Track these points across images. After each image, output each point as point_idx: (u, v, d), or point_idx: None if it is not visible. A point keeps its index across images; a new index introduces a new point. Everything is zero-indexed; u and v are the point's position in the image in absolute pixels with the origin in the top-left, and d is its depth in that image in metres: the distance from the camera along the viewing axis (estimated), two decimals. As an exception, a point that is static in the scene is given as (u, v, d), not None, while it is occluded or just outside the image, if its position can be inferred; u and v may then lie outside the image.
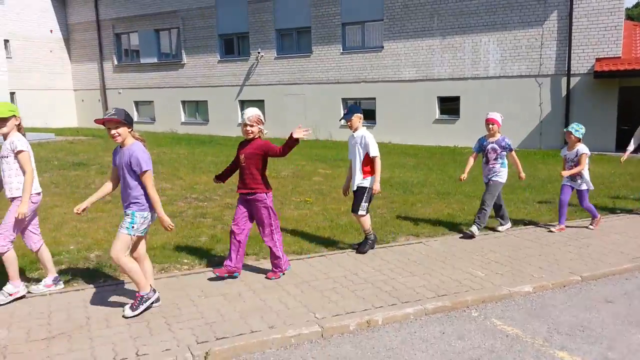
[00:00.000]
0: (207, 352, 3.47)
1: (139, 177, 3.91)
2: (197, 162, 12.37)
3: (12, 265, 4.18)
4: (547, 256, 5.58)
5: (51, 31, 24.65)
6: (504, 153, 6.39)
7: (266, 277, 4.83)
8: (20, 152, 4.09)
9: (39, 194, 4.31)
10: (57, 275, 4.56)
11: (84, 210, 4.01)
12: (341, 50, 19.45)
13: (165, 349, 3.49)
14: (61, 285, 4.54)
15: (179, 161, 12.43)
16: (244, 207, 4.74)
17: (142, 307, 3.99)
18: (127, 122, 3.93)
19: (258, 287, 4.66)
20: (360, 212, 5.53)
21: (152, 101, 24.57)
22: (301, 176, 10.95)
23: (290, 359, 3.54)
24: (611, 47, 14.75)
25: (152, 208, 4.00)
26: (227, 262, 4.77)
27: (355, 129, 5.52)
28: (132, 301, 4.06)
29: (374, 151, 5.41)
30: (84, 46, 25.75)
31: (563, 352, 3.60)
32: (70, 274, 4.89)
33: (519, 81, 16.39)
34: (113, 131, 3.89)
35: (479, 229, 6.27)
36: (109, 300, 4.32)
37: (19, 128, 4.23)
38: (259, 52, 21.06)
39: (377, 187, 5.43)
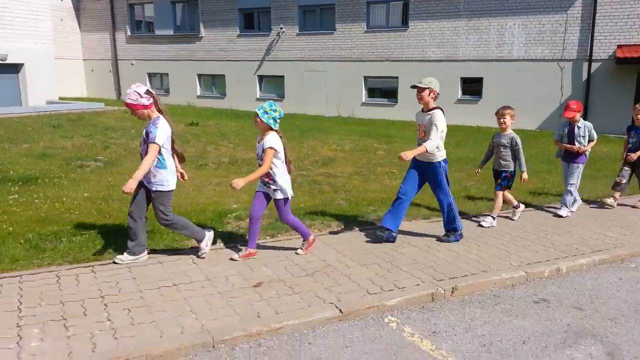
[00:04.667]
0: (453, 287, 4.17)
1: None
2: (256, 134, 12.82)
3: None
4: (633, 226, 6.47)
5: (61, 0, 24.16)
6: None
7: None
8: None
9: None
10: None
11: None
12: (365, 29, 19.90)
13: (416, 284, 4.17)
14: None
15: (241, 132, 12.89)
16: None
17: None
18: None
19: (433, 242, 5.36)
20: None
21: (167, 73, 24.53)
22: (365, 150, 11.56)
23: (515, 295, 4.27)
24: (632, 34, 15.72)
25: None
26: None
27: None
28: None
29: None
30: (94, 15, 25.34)
31: None
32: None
33: (542, 64, 17.25)
34: None
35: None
36: (327, 247, 4.94)
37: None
38: (281, 28, 21.29)
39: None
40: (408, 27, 19.11)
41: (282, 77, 21.99)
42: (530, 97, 17.08)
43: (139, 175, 4.10)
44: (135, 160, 8.98)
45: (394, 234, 5.21)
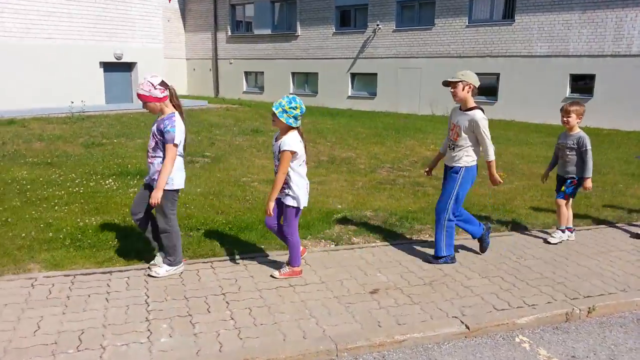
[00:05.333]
0: (590, 308, 3.76)
1: None
2: (351, 133, 12.75)
3: None
4: None
5: (169, 1, 25.61)
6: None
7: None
8: None
9: None
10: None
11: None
12: (467, 23, 19.11)
13: (547, 302, 3.81)
14: None
15: (337, 130, 12.90)
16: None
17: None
18: None
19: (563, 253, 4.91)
20: None
21: (263, 72, 25.20)
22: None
23: (662, 319, 3.77)
24: None
25: None
26: None
27: None
28: None
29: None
30: (199, 16, 26.65)
31: None
32: (367, 229, 5.33)
33: (667, 60, 15.56)
34: None
35: None
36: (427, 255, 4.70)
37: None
38: (377, 25, 21.04)
39: None
40: (514, 20, 18.08)
41: (375, 74, 21.75)
42: (650, 96, 15.48)
43: (162, 183, 3.74)
44: (239, 157, 9.23)
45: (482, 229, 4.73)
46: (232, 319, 3.36)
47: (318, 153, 9.81)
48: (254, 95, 25.27)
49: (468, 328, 3.39)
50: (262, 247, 4.73)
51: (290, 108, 3.77)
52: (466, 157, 4.39)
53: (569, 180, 5.19)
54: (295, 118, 3.81)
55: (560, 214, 5.24)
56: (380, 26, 21.02)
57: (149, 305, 3.53)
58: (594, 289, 4.09)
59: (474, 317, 3.52)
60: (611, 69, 16.45)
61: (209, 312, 3.45)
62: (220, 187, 6.91)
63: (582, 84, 17.30)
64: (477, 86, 4.36)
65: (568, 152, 5.16)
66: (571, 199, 5.33)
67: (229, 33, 25.88)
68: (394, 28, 20.84)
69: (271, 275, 4.07)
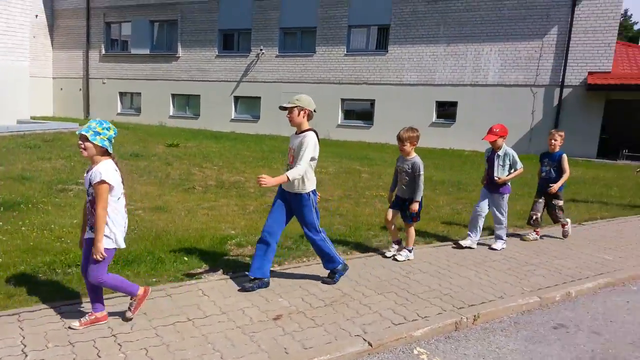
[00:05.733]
0: (475, 315, 4.08)
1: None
2: (238, 156, 12.64)
3: None
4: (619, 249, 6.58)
5: (36, 16, 23.55)
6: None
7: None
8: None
9: None
10: None
11: None
12: (345, 52, 20.10)
13: (438, 313, 4.06)
14: None
15: (223, 154, 12.69)
16: None
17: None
18: None
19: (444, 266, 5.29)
20: None
21: (140, 93, 24.10)
22: (349, 172, 11.51)
23: (533, 321, 4.21)
24: (603, 62, 16.38)
25: None
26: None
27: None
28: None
29: None
30: (68, 33, 24.84)
31: None
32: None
33: (516, 90, 17.73)
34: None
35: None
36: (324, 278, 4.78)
37: None
38: (260, 49, 21.28)
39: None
40: (387, 51, 19.40)
41: (259, 98, 21.92)
42: (502, 121, 17.07)
43: None
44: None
45: (265, 280, 4.45)
46: (128, 361, 3.11)
47: (205, 177, 9.55)
48: (130, 117, 24.01)
49: (371, 345, 3.49)
50: (154, 280, 4.45)
51: (103, 129, 3.35)
52: (307, 182, 4.37)
53: (407, 203, 5.35)
54: (110, 140, 3.39)
55: (409, 236, 5.45)
56: (263, 51, 21.31)
57: (27, 356, 3.13)
58: (476, 297, 4.46)
59: (375, 333, 3.63)
60: (470, 96, 18.31)
61: (99, 357, 3.15)
62: (102, 216, 6.40)
63: (442, 111, 19.00)
64: (312, 110, 4.41)
65: (405, 175, 5.35)
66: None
67: (103, 51, 24.46)
68: (277, 53, 21.25)
69: (125, 315, 3.65)
